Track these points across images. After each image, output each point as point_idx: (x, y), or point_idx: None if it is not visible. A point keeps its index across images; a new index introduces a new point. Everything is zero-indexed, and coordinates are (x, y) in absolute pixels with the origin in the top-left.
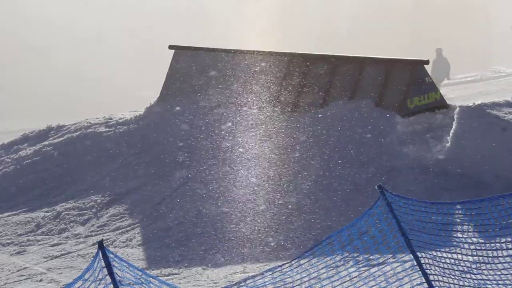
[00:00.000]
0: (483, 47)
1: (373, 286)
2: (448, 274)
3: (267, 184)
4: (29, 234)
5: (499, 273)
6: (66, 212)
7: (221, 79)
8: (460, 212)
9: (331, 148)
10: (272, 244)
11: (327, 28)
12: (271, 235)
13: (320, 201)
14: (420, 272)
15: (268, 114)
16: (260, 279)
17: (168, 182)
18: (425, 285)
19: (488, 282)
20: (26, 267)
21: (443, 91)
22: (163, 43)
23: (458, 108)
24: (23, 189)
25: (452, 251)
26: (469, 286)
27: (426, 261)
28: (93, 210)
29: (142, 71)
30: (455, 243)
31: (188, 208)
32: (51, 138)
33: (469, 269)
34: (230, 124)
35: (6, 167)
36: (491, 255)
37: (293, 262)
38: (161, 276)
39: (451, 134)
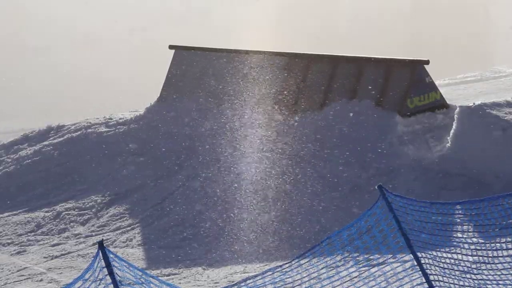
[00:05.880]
0: (483, 47)
1: (373, 286)
2: (448, 274)
3: (267, 184)
4: (29, 234)
5: (499, 273)
6: (66, 212)
7: (221, 79)
8: (460, 212)
9: (331, 148)
10: (272, 244)
11: (327, 28)
12: (271, 235)
13: (320, 201)
14: (420, 272)
15: (268, 114)
16: (260, 279)
17: (168, 182)
18: (425, 285)
19: (488, 282)
20: (26, 267)
21: (443, 91)
22: (163, 43)
23: (458, 108)
24: (23, 189)
25: (452, 251)
26: (469, 286)
27: (426, 261)
28: (93, 210)
29: (142, 71)
30: (455, 243)
31: (188, 208)
32: (51, 138)
33: (469, 269)
34: (230, 124)
35: (6, 167)
36: (491, 255)
37: (293, 262)
38: (161, 276)
39: (451, 134)
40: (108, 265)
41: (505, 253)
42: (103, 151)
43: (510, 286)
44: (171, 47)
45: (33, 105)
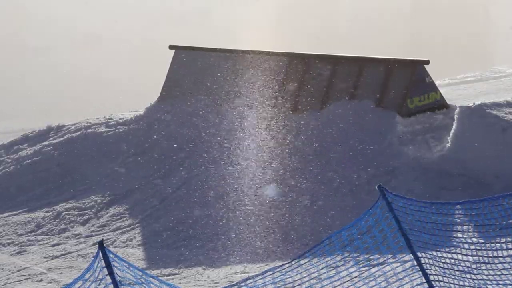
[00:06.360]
0: (483, 47)
1: (373, 286)
2: (448, 274)
3: (266, 184)
4: (29, 234)
5: (499, 273)
6: (66, 212)
7: (221, 79)
8: (460, 212)
9: (331, 148)
10: (272, 244)
11: (327, 28)
12: (271, 235)
13: (320, 201)
14: (420, 272)
15: (269, 114)
16: (260, 279)
17: (168, 182)
18: (426, 285)
19: (488, 282)
20: (26, 267)
21: (443, 91)
22: (163, 43)
23: (458, 108)
24: (23, 189)
25: (452, 251)
26: (469, 286)
27: (426, 261)
28: (93, 210)
29: (142, 71)
30: (455, 243)
31: (188, 208)
32: (51, 138)
33: (469, 269)
34: (230, 124)
35: (6, 167)
36: (491, 255)
37: (293, 262)
38: (161, 276)
39: (451, 134)
40: (108, 265)
41: (505, 253)
42: (103, 151)
43: (510, 286)
44: (171, 47)
45: (33, 105)
